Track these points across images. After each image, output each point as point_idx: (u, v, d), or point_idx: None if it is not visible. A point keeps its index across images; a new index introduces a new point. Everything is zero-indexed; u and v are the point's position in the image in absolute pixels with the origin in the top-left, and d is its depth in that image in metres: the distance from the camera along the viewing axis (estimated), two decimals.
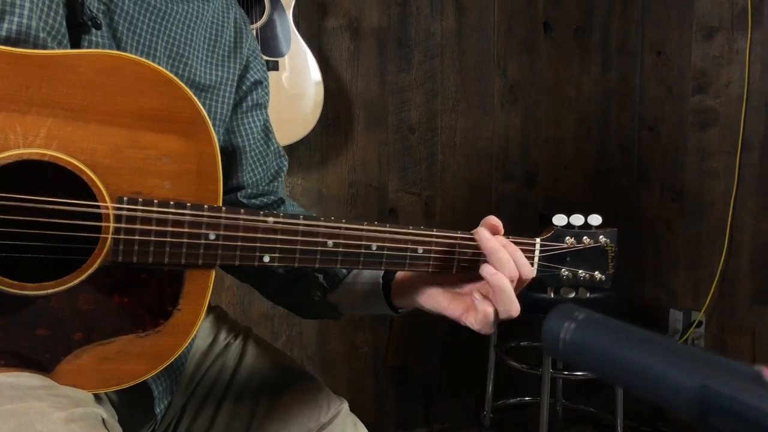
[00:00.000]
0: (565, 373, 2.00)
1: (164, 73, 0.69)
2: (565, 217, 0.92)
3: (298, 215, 0.74)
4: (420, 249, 0.79)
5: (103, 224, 0.67)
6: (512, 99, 2.35)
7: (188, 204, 0.70)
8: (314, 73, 1.90)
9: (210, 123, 0.71)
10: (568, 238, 0.90)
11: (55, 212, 0.66)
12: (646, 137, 2.54)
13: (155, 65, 0.68)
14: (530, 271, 0.79)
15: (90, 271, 0.68)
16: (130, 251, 0.68)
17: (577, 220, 0.93)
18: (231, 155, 0.95)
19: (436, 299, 0.82)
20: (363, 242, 0.77)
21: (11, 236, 0.66)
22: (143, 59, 0.68)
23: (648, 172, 2.54)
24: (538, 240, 0.87)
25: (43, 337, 0.67)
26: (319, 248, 0.75)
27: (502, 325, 0.85)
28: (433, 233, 0.80)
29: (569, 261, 0.90)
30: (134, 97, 0.68)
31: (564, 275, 0.90)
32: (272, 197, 0.99)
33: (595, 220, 0.93)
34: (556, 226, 0.90)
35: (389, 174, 2.19)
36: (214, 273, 0.73)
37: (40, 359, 0.68)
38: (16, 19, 0.68)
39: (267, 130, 0.98)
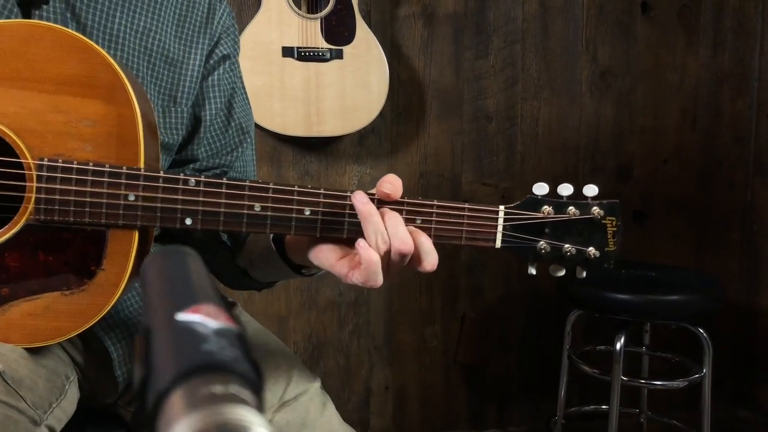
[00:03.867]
0: (642, 382, 1.83)
1: (83, 40, 0.71)
2: (546, 185, 0.83)
3: (221, 177, 0.74)
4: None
5: (27, 184, 0.71)
6: (603, 86, 2.20)
7: (107, 165, 0.71)
8: (380, 61, 1.89)
9: (130, 87, 0.72)
10: (545, 207, 0.81)
11: None
12: (766, 126, 2.27)
13: (75, 33, 0.71)
14: (403, 245, 0.70)
15: (16, 229, 0.71)
16: (51, 210, 0.71)
17: (566, 189, 0.83)
18: (193, 127, 0.96)
19: (325, 255, 0.76)
20: (294, 206, 0.74)
21: None
22: (63, 27, 0.71)
23: (767, 165, 2.26)
24: (501, 207, 0.80)
25: None
26: (245, 211, 0.74)
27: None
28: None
29: (548, 233, 0.81)
30: (54, 63, 0.70)
31: (541, 249, 0.81)
32: (217, 171, 0.97)
33: (591, 190, 0.83)
34: (533, 194, 0.82)
35: (463, 165, 2.13)
36: (137, 234, 0.74)
37: None
38: None
39: (231, 106, 0.98)
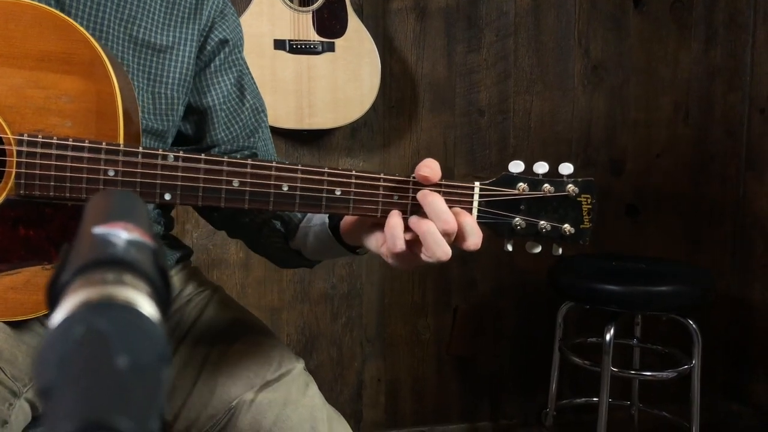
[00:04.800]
0: (632, 373, 1.83)
1: (62, 17, 0.72)
2: (521, 163, 0.84)
3: (201, 153, 0.75)
4: (338, 191, 0.76)
5: (7, 159, 0.72)
6: (596, 80, 2.20)
7: (87, 141, 0.72)
8: (371, 54, 1.90)
9: (109, 64, 0.73)
10: (520, 184, 0.82)
11: None
12: (758, 120, 2.28)
13: (53, 10, 0.72)
14: (446, 225, 0.74)
15: None
16: (31, 185, 0.72)
17: (541, 167, 0.85)
18: (203, 115, 0.98)
19: (374, 237, 0.79)
20: (272, 182, 0.76)
21: None
22: (42, 5, 0.72)
23: (759, 159, 2.27)
24: (477, 184, 0.81)
25: None
26: (223, 187, 0.75)
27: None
28: (353, 173, 0.77)
29: (523, 210, 0.82)
30: (34, 40, 0.71)
31: (517, 225, 0.82)
32: (246, 152, 1.00)
33: (566, 168, 0.85)
34: (509, 171, 0.83)
35: (456, 158, 2.14)
36: None
37: None
38: None
39: (241, 87, 1.00)
